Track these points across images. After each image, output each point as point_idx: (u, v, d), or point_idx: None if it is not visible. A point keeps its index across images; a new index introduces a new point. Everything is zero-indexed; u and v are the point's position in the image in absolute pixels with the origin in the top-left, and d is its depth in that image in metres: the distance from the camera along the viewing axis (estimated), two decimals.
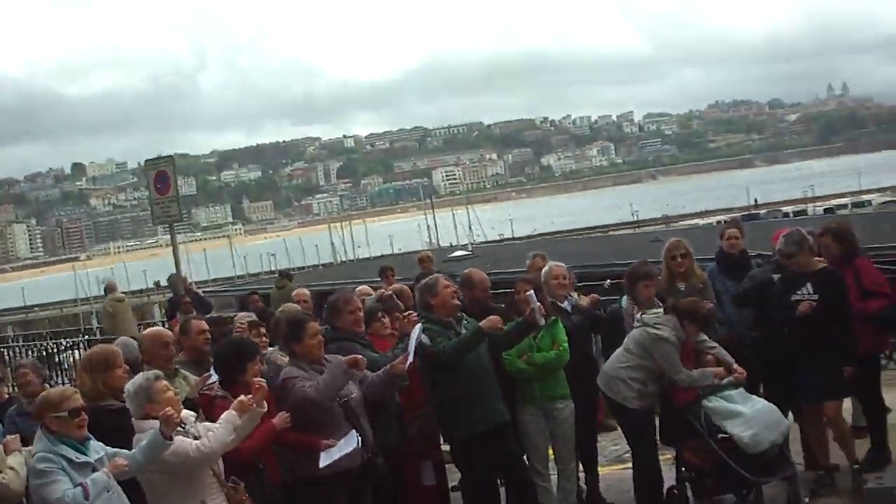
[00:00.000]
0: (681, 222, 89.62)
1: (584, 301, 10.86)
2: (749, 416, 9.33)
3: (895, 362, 14.24)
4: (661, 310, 9.79)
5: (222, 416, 7.31)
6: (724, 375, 9.62)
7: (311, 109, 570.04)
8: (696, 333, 9.73)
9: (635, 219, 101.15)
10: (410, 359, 8.47)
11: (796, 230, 10.07)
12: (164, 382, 7.45)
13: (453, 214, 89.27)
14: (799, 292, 9.75)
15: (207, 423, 7.52)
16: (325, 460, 8.01)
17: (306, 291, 13.78)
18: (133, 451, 7.00)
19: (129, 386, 7.44)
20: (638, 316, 9.90)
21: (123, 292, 23.49)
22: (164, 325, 14.51)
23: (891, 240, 25.14)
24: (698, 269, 11.07)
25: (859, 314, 9.95)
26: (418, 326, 8.76)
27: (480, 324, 9.26)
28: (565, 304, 10.53)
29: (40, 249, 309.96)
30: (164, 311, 47.01)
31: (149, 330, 9.82)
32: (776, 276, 10.32)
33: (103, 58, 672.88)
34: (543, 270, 10.81)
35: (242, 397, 7.38)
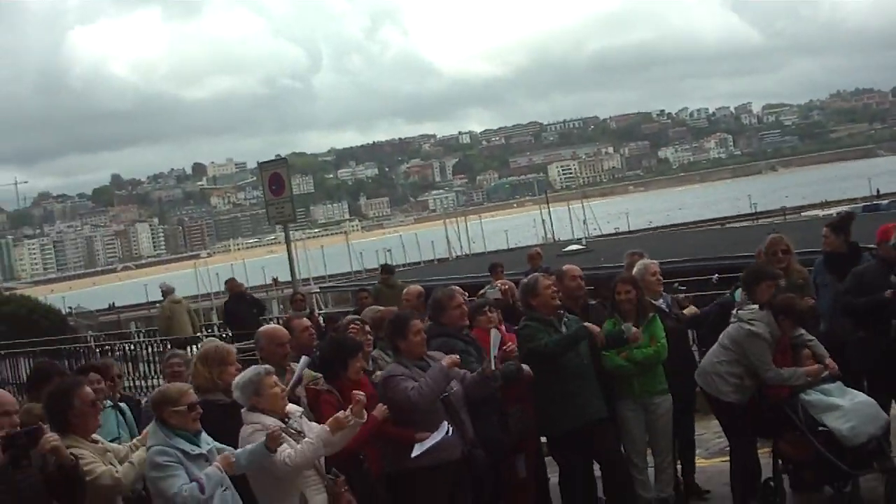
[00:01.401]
0: (800, 214, 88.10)
1: (687, 311, 10.99)
2: (847, 409, 9.39)
3: None
4: (758, 306, 9.87)
5: (316, 431, 7.51)
6: (818, 375, 9.68)
7: (425, 107, 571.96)
8: (793, 329, 9.81)
9: (753, 211, 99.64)
10: (492, 363, 8.69)
11: None
12: (275, 378, 7.74)
13: (569, 208, 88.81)
14: None
15: (310, 424, 7.80)
16: (417, 450, 8.30)
17: (417, 288, 13.94)
18: (238, 451, 7.33)
19: (239, 378, 7.76)
20: (734, 311, 10.01)
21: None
22: (278, 322, 14.84)
23: None
24: (798, 266, 11.06)
25: None
26: (494, 331, 8.96)
27: (586, 324, 9.49)
28: (660, 302, 10.68)
29: (163, 247, 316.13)
30: (281, 307, 47.88)
31: (266, 327, 10.08)
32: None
33: (216, 63, 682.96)
34: (637, 268, 10.97)
35: (340, 414, 7.53)
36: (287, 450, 7.27)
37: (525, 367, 9.34)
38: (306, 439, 7.42)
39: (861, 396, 9.71)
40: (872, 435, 9.38)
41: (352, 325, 10.08)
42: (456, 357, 8.61)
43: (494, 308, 10.19)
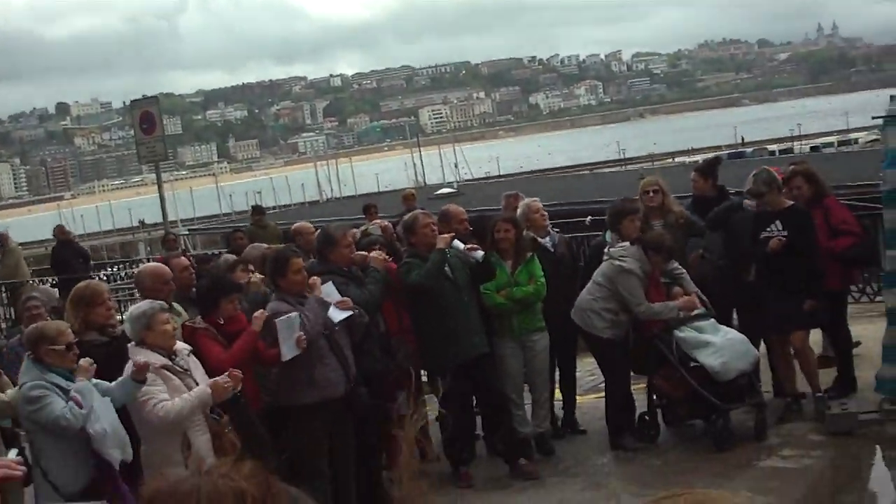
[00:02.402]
0: (668, 160, 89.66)
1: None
2: (719, 345, 9.66)
3: (868, 297, 14.53)
4: (628, 242, 10.04)
5: (195, 391, 7.44)
6: (690, 307, 9.92)
7: (294, 49, 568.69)
8: (663, 264, 10.04)
9: (622, 157, 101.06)
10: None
11: (765, 169, 10.31)
12: (167, 315, 7.70)
13: (440, 153, 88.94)
14: (768, 229, 10.01)
15: (196, 362, 7.78)
16: (286, 352, 8.27)
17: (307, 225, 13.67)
18: (112, 384, 7.27)
19: (134, 309, 7.71)
20: (606, 249, 10.19)
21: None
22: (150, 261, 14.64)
23: (872, 178, 25.36)
24: (677, 206, 11.22)
25: (828, 252, 10.26)
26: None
27: (438, 240, 9.52)
28: (546, 240, 10.76)
29: (25, 189, 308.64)
30: (148, 248, 47.21)
31: (149, 265, 9.93)
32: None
33: (76, 0, 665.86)
34: (520, 207, 11.04)
35: (220, 380, 7.52)
36: (164, 401, 7.23)
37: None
38: (185, 395, 7.36)
39: (732, 333, 9.99)
40: (743, 370, 9.68)
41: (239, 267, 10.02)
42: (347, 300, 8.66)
43: (383, 244, 10.28)
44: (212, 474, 2.23)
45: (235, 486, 2.19)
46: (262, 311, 8.44)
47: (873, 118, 11.24)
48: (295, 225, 10.36)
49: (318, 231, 9.94)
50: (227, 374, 7.57)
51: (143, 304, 7.75)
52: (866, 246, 10.67)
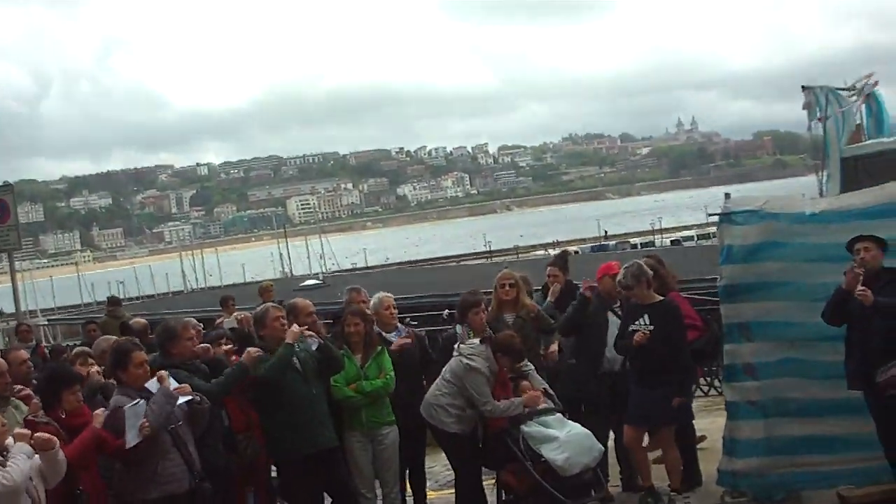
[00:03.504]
0: (532, 253, 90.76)
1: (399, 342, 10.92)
2: (563, 440, 9.73)
3: (715, 390, 14.83)
4: (478, 341, 10.14)
5: (15, 447, 7.29)
6: (535, 402, 10.03)
7: (160, 137, 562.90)
8: (511, 365, 10.17)
9: (488, 249, 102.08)
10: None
11: (636, 263, 10.49)
12: None
13: (307, 243, 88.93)
14: (636, 323, 10.20)
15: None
16: (130, 439, 8.15)
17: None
18: None
19: None
20: (457, 345, 10.29)
21: None
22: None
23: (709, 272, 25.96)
24: (528, 300, 11.40)
25: None
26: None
27: (287, 334, 9.52)
28: (393, 335, 10.81)
29: None
30: (6, 339, 46.03)
31: None
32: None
33: None
34: (373, 301, 11.10)
35: (39, 434, 7.42)
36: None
37: None
38: (11, 455, 7.18)
39: (577, 428, 10.03)
40: (587, 465, 9.75)
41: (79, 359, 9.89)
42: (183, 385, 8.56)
43: (230, 338, 10.22)
44: None
45: None
46: (102, 409, 8.29)
47: (709, 216, 11.59)
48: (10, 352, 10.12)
49: (160, 325, 9.84)
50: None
51: None
52: (709, 339, 10.92)
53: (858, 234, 9.12)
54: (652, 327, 10.05)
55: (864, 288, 8.78)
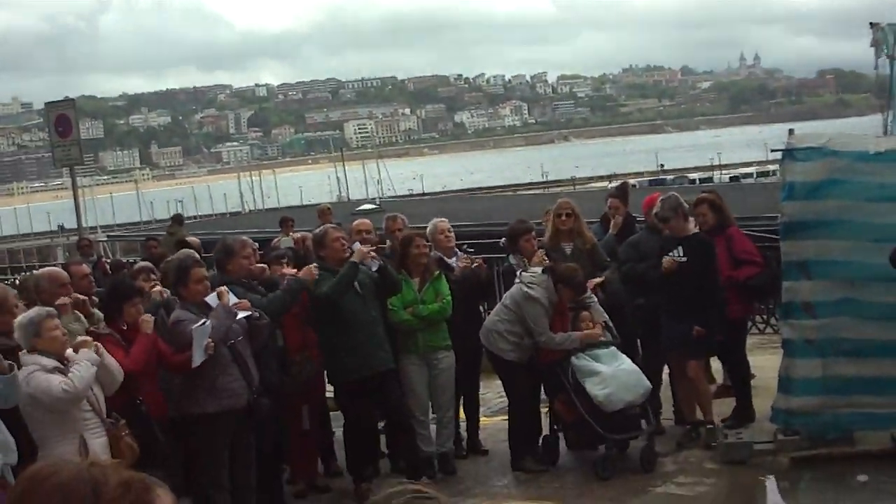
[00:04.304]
0: (589, 184, 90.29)
1: (461, 263, 10.94)
2: (607, 375, 9.77)
3: (771, 327, 14.79)
4: (540, 269, 10.15)
5: (79, 354, 7.46)
6: (593, 338, 10.05)
7: (218, 57, 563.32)
8: (571, 298, 10.17)
9: (544, 179, 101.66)
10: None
11: (673, 196, 10.49)
12: (57, 321, 7.62)
13: (364, 168, 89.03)
14: (671, 254, 10.20)
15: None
16: (197, 357, 8.29)
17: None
18: None
19: (22, 318, 7.61)
20: (518, 272, 10.31)
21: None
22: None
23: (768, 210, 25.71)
24: (587, 231, 11.38)
25: (730, 281, 10.49)
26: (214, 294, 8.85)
27: (355, 254, 9.58)
28: (452, 260, 10.84)
29: None
30: (66, 254, 46.61)
31: (45, 269, 9.93)
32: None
33: None
34: (429, 226, 11.12)
35: (89, 339, 7.65)
36: (60, 381, 7.21)
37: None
38: (73, 365, 7.35)
39: (627, 364, 10.06)
40: (631, 402, 9.79)
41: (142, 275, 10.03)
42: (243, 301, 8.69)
43: (290, 258, 10.41)
44: (84, 464, 2.22)
45: (96, 478, 2.15)
46: (149, 314, 8.45)
47: (772, 151, 11.50)
48: (71, 266, 10.27)
49: (218, 243, 9.96)
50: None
51: (31, 312, 7.68)
52: (767, 276, 10.89)
53: None
54: (685, 259, 10.06)
55: None
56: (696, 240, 10.24)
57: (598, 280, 10.78)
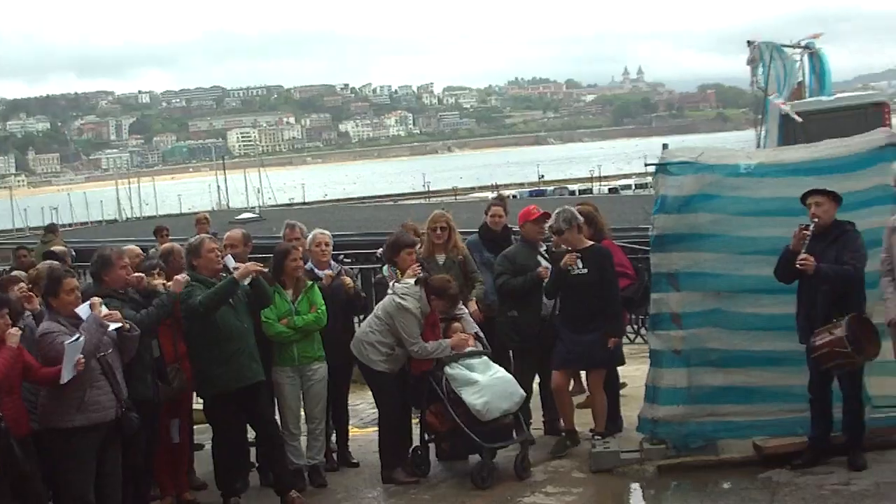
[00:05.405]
0: (470, 195, 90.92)
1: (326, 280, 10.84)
2: (484, 384, 9.87)
3: (642, 338, 15.02)
4: (413, 281, 10.21)
5: None
6: (463, 346, 10.16)
7: (99, 63, 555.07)
8: (444, 310, 10.27)
9: (426, 189, 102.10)
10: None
11: (567, 208, 10.55)
12: None
13: (245, 176, 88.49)
14: (572, 268, 10.22)
15: None
16: (65, 375, 8.15)
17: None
18: None
19: None
20: (391, 284, 10.35)
21: None
22: None
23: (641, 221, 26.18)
24: (460, 242, 11.54)
25: None
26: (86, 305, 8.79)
27: (239, 271, 9.50)
28: (323, 273, 10.80)
29: None
30: None
31: None
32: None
33: None
34: (309, 238, 11.09)
35: None
36: None
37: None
38: None
39: (501, 373, 10.19)
40: (507, 410, 9.92)
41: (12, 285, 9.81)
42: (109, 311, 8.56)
43: (163, 268, 10.19)
44: None
45: None
46: (17, 328, 8.28)
47: (646, 165, 11.69)
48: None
49: (95, 253, 9.78)
50: None
51: None
52: (638, 288, 11.08)
53: (812, 188, 9.25)
54: (585, 271, 10.18)
55: (805, 256, 8.93)
56: (594, 251, 10.36)
57: (473, 307, 10.92)
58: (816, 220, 9.06)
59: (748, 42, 23.17)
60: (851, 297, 9.11)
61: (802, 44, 23.81)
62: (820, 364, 9.06)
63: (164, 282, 9.70)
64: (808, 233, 9.02)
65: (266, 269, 9.99)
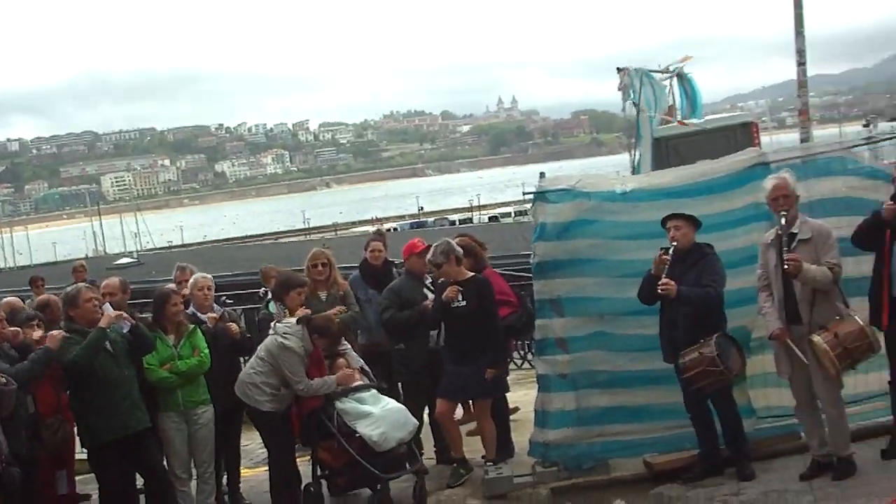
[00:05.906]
0: (351, 230, 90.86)
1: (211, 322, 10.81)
2: (378, 415, 9.89)
3: (529, 363, 15.12)
4: (295, 320, 10.15)
5: None
6: (349, 381, 10.16)
7: None
8: (328, 347, 10.27)
9: (307, 226, 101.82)
10: None
11: (445, 241, 10.58)
12: None
13: (122, 221, 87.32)
14: (455, 303, 10.26)
15: None
16: None
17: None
18: None
19: None
20: (273, 323, 10.27)
21: None
22: None
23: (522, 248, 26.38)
24: (340, 279, 11.60)
25: None
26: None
27: (102, 318, 9.36)
28: (205, 316, 10.69)
29: None
30: None
31: None
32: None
33: None
34: (190, 282, 10.98)
35: None
36: None
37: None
38: None
39: (392, 403, 10.23)
40: (402, 440, 9.93)
41: None
42: None
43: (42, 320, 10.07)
44: None
45: None
46: None
47: (524, 194, 11.81)
48: None
49: None
50: None
51: None
52: (522, 315, 11.14)
53: (671, 213, 9.42)
54: (465, 303, 10.21)
55: (666, 281, 9.09)
56: (474, 282, 10.39)
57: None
58: (675, 243, 9.25)
59: (618, 69, 23.53)
60: (712, 318, 9.30)
61: (671, 69, 24.27)
62: (692, 383, 9.24)
63: (43, 333, 9.50)
64: (668, 258, 9.21)
65: (128, 316, 9.84)
